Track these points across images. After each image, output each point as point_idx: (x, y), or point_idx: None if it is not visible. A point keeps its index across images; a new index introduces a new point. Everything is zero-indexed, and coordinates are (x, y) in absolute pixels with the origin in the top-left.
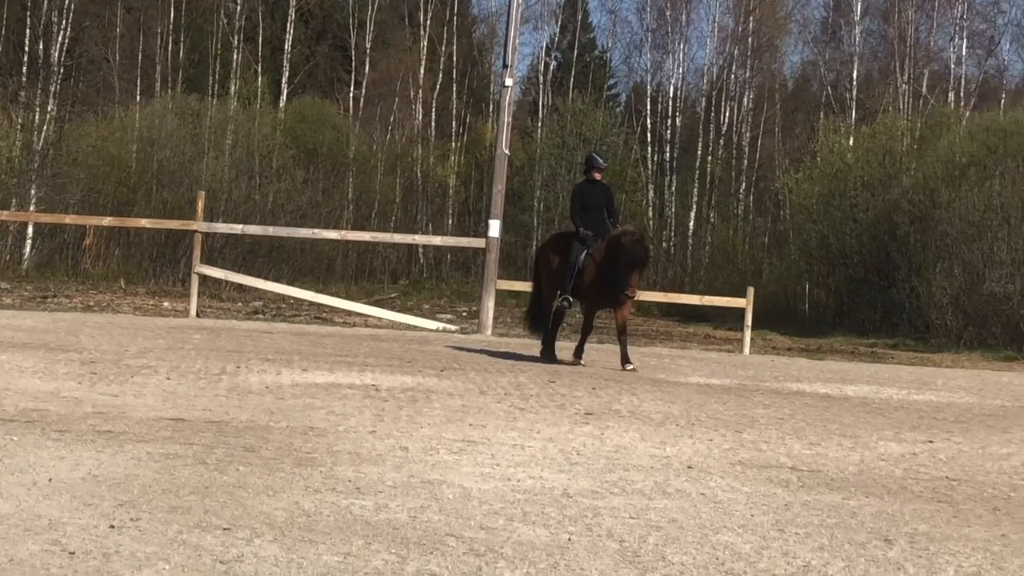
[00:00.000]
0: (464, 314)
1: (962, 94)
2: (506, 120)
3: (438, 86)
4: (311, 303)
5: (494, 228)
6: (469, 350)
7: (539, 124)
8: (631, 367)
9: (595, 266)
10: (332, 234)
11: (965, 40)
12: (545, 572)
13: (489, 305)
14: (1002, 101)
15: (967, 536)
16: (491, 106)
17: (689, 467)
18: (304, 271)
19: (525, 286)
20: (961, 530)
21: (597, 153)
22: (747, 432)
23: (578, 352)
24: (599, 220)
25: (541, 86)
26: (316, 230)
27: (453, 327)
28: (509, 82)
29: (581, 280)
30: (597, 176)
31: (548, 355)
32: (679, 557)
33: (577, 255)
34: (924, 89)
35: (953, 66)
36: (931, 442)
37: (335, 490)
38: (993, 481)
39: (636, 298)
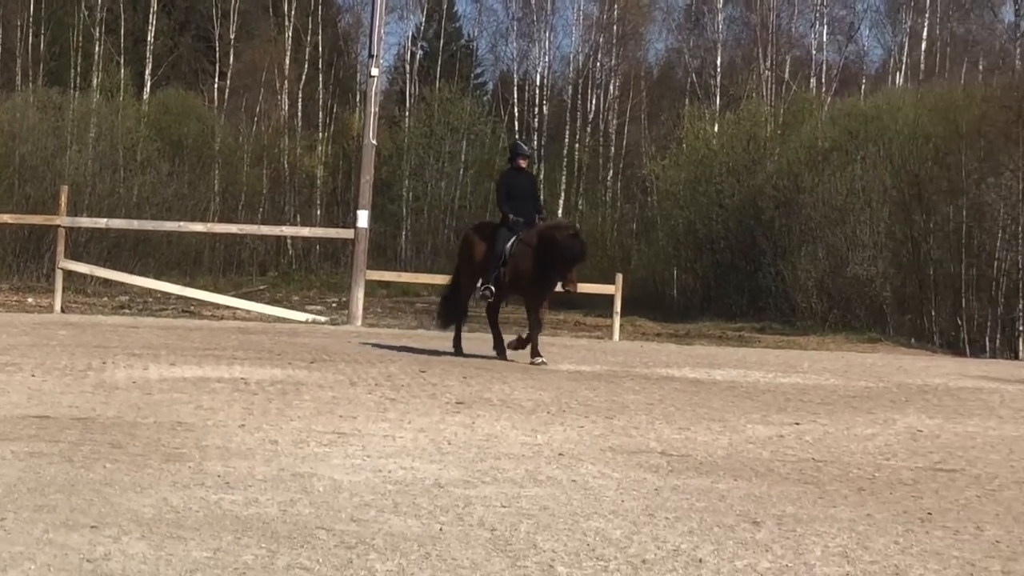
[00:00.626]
0: (334, 305)
1: (823, 80)
2: (373, 110)
3: (304, 76)
4: (178, 297)
5: (362, 219)
6: (339, 341)
7: (406, 113)
8: (541, 360)
9: (532, 253)
10: (198, 227)
11: (826, 26)
12: (417, 563)
13: (359, 296)
14: (862, 86)
15: (833, 516)
16: (358, 96)
17: (560, 454)
18: (171, 264)
19: (395, 276)
20: (827, 511)
21: (521, 141)
22: (617, 418)
23: (535, 350)
24: (526, 208)
25: (408, 75)
26: (182, 223)
27: (323, 318)
28: (375, 72)
29: (511, 269)
30: (522, 164)
31: (459, 348)
32: (550, 544)
33: (504, 243)
34: (786, 75)
35: (814, 52)
36: (798, 424)
37: (204, 485)
38: (858, 462)
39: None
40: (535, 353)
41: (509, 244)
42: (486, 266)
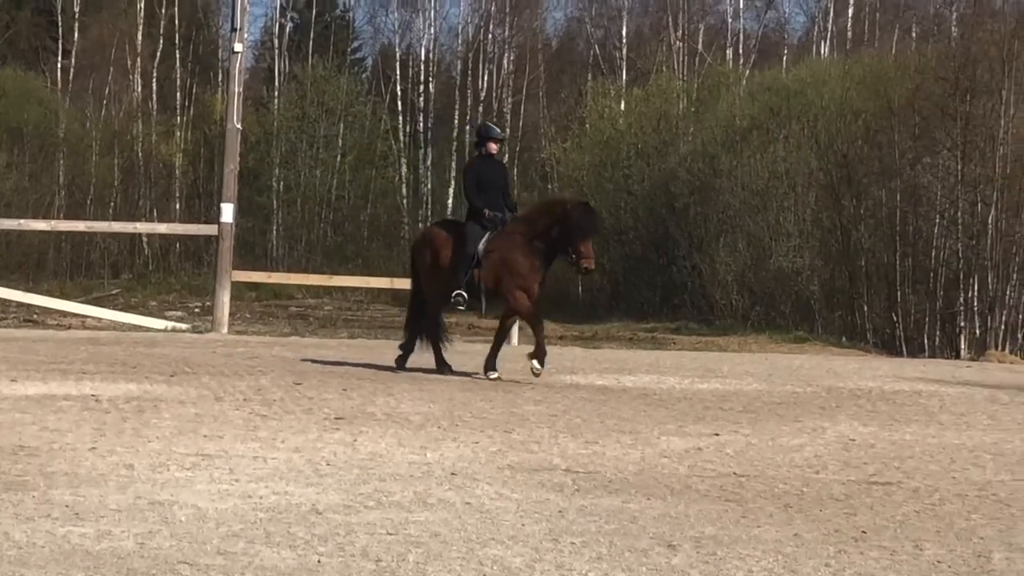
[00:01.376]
0: (197, 311)
1: (741, 51)
2: (237, 90)
3: (159, 53)
4: (19, 304)
5: (227, 213)
6: (203, 351)
7: (275, 94)
8: (495, 375)
9: (523, 244)
10: (41, 224)
11: None
12: None
13: (224, 300)
14: (784, 58)
15: (757, 537)
16: (220, 75)
17: (453, 474)
18: (11, 267)
19: (264, 277)
20: (751, 531)
21: (492, 122)
22: (516, 432)
23: (492, 364)
24: (496, 202)
25: (276, 51)
26: (23, 221)
27: (184, 326)
28: (239, 47)
29: (490, 271)
30: (493, 148)
31: (444, 367)
32: (442, 575)
33: (476, 241)
34: (700, 46)
35: (730, 20)
36: (717, 435)
37: (50, 517)
38: (784, 476)
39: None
40: (490, 365)
41: (482, 243)
42: (455, 270)
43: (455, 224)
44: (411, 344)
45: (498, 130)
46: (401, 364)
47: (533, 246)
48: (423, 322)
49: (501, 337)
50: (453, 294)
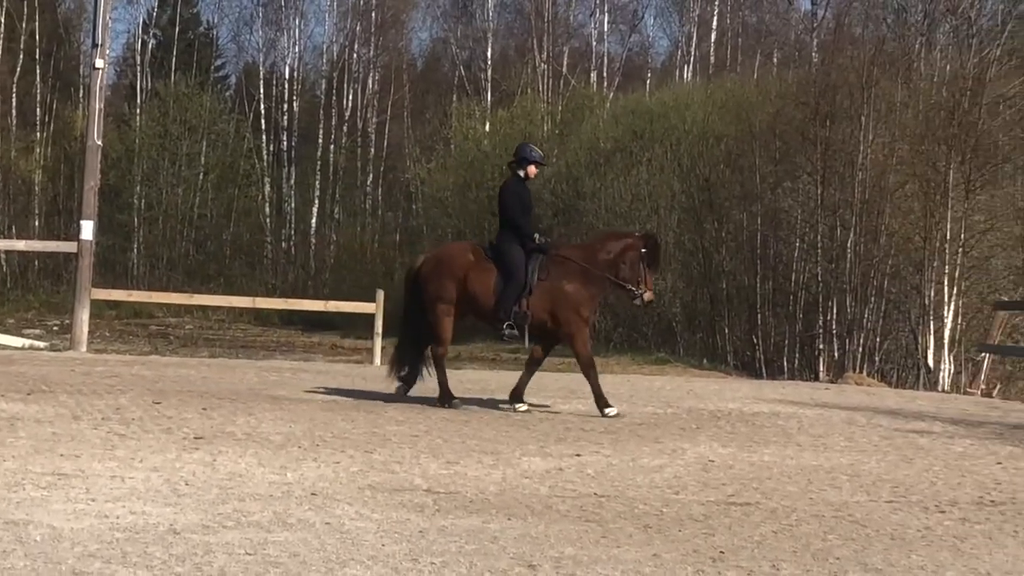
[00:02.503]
0: (55, 328)
1: (605, 74)
2: (98, 107)
3: (19, 68)
4: None
5: (87, 230)
6: (61, 369)
7: (137, 111)
8: (524, 408)
9: (585, 280)
10: None
11: (607, 15)
12: None
13: (83, 318)
14: (647, 81)
15: (617, 557)
16: (81, 91)
17: (313, 494)
18: None
19: (125, 295)
20: (610, 551)
21: (533, 144)
22: (378, 452)
23: (519, 395)
24: (531, 227)
25: (139, 68)
26: None
27: (41, 344)
28: (100, 63)
29: (543, 299)
30: (533, 173)
31: (451, 399)
32: None
33: (526, 269)
34: (564, 69)
35: (595, 43)
36: (579, 456)
37: None
38: (644, 496)
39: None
40: (519, 396)
41: (533, 269)
42: (503, 299)
43: (476, 248)
44: (415, 374)
45: (540, 153)
46: (403, 392)
47: (593, 275)
48: (416, 355)
49: (534, 368)
50: (505, 326)
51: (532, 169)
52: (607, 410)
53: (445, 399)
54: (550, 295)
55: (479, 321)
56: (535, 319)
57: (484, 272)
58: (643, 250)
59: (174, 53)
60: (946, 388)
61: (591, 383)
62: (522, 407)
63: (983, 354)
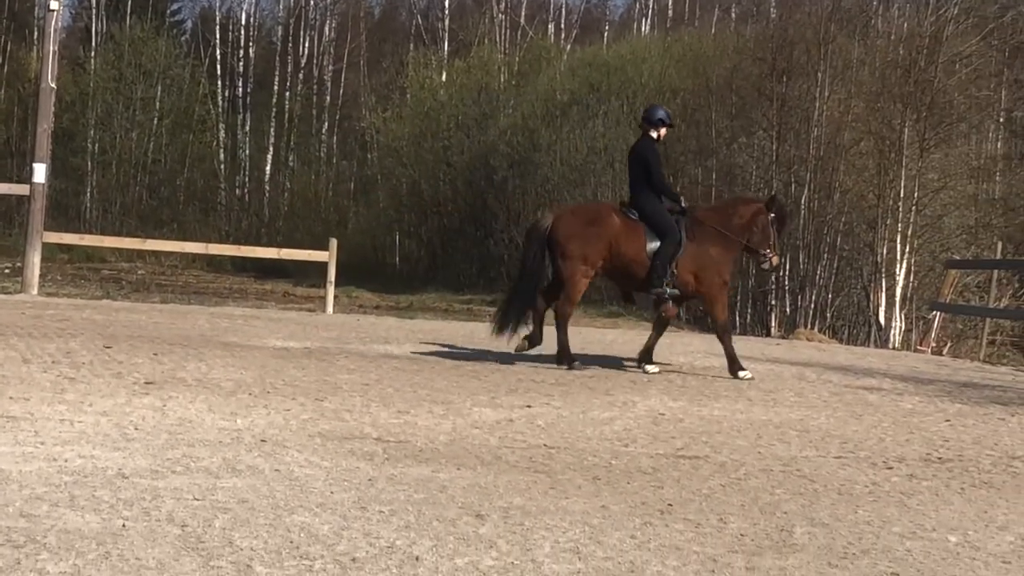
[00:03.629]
0: (6, 271)
1: (563, 26)
2: (52, 49)
3: None
4: None
5: (39, 173)
6: (12, 312)
7: (92, 54)
8: (655, 369)
9: (726, 244)
10: None
11: None
12: (94, 564)
13: (35, 261)
14: (605, 34)
15: (565, 508)
16: (36, 33)
17: (263, 440)
18: None
19: (77, 239)
20: (559, 502)
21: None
22: (328, 400)
23: (649, 357)
24: None
25: (94, 11)
26: None
27: None
28: (55, 5)
29: (690, 261)
30: (663, 134)
31: (571, 359)
32: (249, 542)
33: (678, 232)
34: (522, 20)
35: None
36: (529, 407)
37: None
38: (594, 448)
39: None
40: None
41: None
42: (662, 262)
43: (617, 209)
44: (540, 332)
45: (669, 113)
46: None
47: (729, 239)
48: (526, 308)
49: (663, 328)
50: (664, 291)
51: (663, 131)
52: (741, 373)
53: (566, 359)
54: (695, 258)
55: (619, 283)
56: (680, 281)
57: (635, 234)
58: (771, 215)
59: None
60: (896, 345)
61: (725, 346)
62: (653, 368)
63: (934, 312)
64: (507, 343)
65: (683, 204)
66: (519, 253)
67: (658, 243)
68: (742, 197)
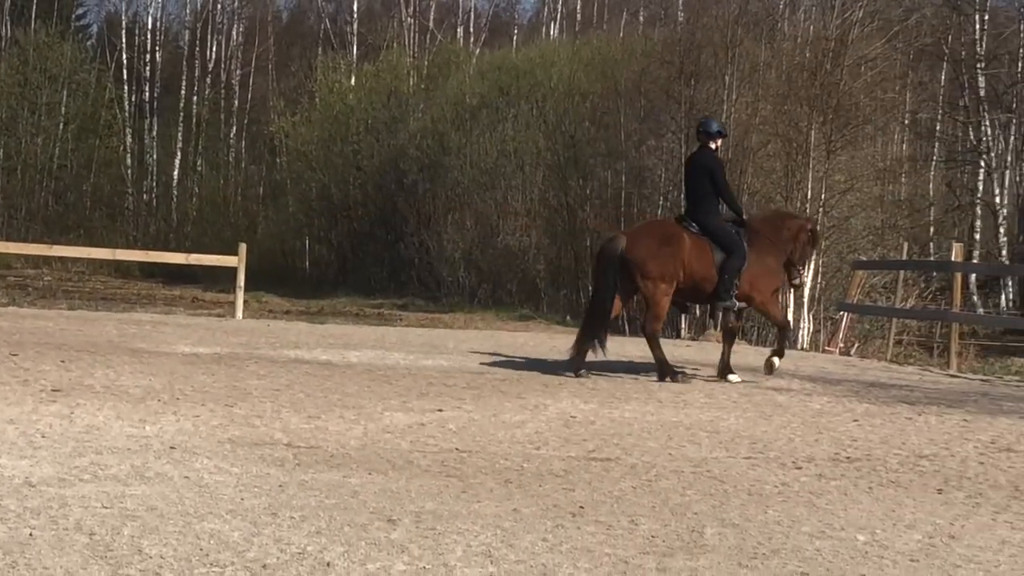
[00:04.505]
0: None
1: (472, 29)
2: None
3: None
4: None
5: None
6: None
7: None
8: (737, 378)
9: (776, 256)
10: None
11: None
12: (2, 573)
13: None
14: (514, 37)
15: (477, 512)
16: None
17: (172, 447)
18: None
19: None
20: (471, 506)
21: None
22: (238, 406)
23: (729, 367)
24: None
25: None
26: None
27: None
28: None
29: (746, 276)
30: (719, 145)
31: (673, 372)
32: (158, 549)
33: (743, 246)
34: (431, 24)
35: None
36: (441, 411)
37: None
38: (505, 452)
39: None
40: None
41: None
42: (728, 275)
43: (684, 226)
44: (603, 347)
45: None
46: (672, 371)
47: (779, 250)
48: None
49: (732, 340)
50: (734, 304)
51: (719, 142)
52: (776, 360)
53: (667, 373)
54: (754, 268)
55: (685, 298)
56: (740, 292)
57: (704, 251)
58: (810, 234)
59: (34, 1)
60: (805, 346)
61: (780, 343)
62: (736, 378)
63: (841, 313)
64: (599, 353)
65: (744, 216)
66: (593, 273)
67: (722, 256)
68: (787, 212)
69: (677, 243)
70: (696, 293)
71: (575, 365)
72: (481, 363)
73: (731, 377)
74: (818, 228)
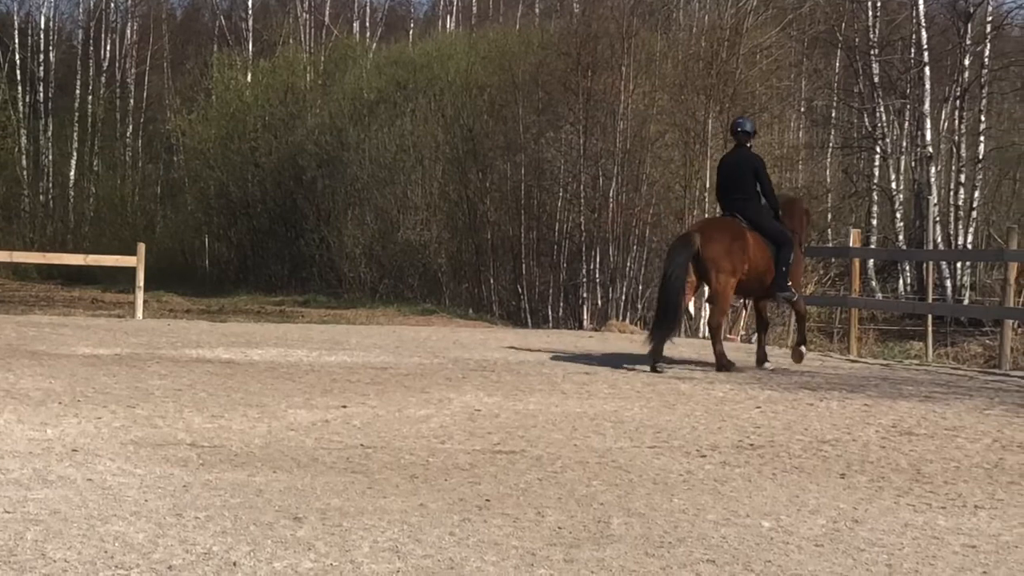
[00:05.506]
0: None
1: (368, 24)
2: None
3: None
4: None
5: None
6: None
7: None
8: (771, 365)
9: (798, 248)
10: None
11: None
12: None
13: None
14: (411, 31)
15: (383, 508)
16: None
17: (74, 450)
18: None
19: None
20: (376, 502)
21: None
22: (141, 407)
23: (766, 355)
24: None
25: None
26: None
27: None
28: None
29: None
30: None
31: (730, 364)
32: (62, 553)
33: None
34: (327, 19)
35: None
36: (345, 407)
37: None
38: (411, 447)
39: None
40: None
41: None
42: (782, 269)
43: (741, 222)
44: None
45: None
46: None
47: (797, 238)
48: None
49: (767, 329)
50: (792, 294)
51: (752, 141)
52: (804, 349)
53: (726, 366)
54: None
55: (743, 291)
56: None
57: (763, 246)
58: (806, 213)
59: None
60: (706, 335)
61: (801, 330)
62: (770, 365)
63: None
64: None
65: (779, 211)
66: (663, 265)
67: (775, 249)
68: (787, 196)
69: (744, 239)
70: (756, 287)
71: (653, 359)
72: (384, 358)
73: (767, 365)
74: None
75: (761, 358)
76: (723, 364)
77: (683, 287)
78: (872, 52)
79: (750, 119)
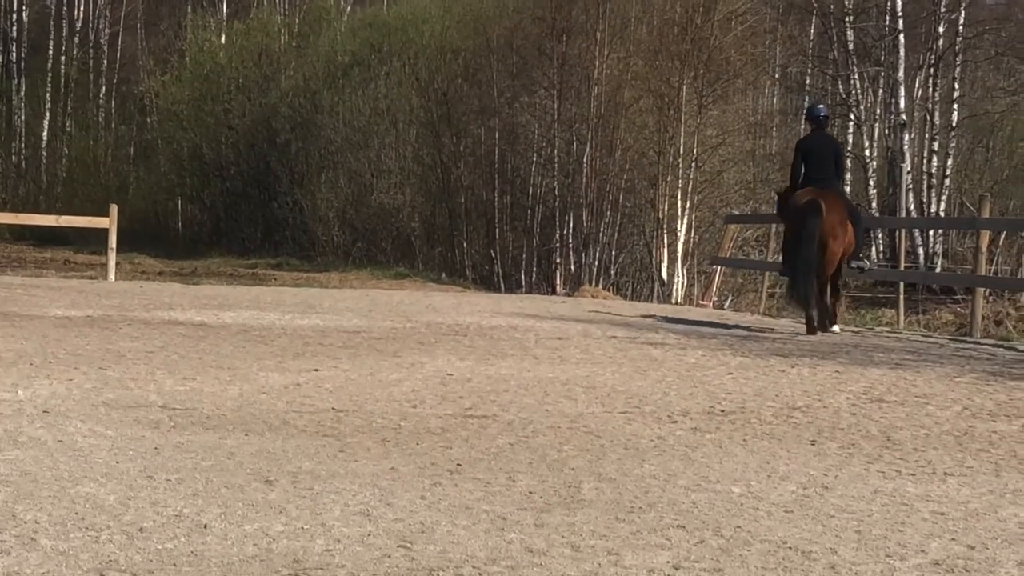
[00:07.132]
0: None
1: None
2: None
3: None
4: None
5: None
6: None
7: None
8: (838, 328)
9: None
10: None
11: None
12: None
13: None
14: None
15: (354, 471)
16: None
17: (45, 411)
18: None
19: None
20: (348, 465)
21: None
22: (112, 369)
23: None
24: None
25: None
26: None
27: None
28: None
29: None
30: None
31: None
32: (32, 514)
33: None
34: None
35: None
36: (317, 371)
37: None
38: (382, 410)
39: None
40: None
41: None
42: (860, 239)
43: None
44: (823, 307)
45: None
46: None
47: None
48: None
49: (839, 295)
50: (865, 263)
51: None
52: (833, 328)
53: (822, 326)
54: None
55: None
56: (841, 254)
57: (847, 219)
58: None
59: None
60: (679, 300)
61: (835, 307)
62: (836, 328)
63: (715, 267)
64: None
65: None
66: (796, 227)
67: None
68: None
69: (845, 212)
70: (845, 256)
71: (821, 325)
72: (357, 322)
73: (834, 329)
74: None
75: (828, 324)
76: (822, 323)
77: (815, 244)
78: (847, 19)
79: (826, 105)
